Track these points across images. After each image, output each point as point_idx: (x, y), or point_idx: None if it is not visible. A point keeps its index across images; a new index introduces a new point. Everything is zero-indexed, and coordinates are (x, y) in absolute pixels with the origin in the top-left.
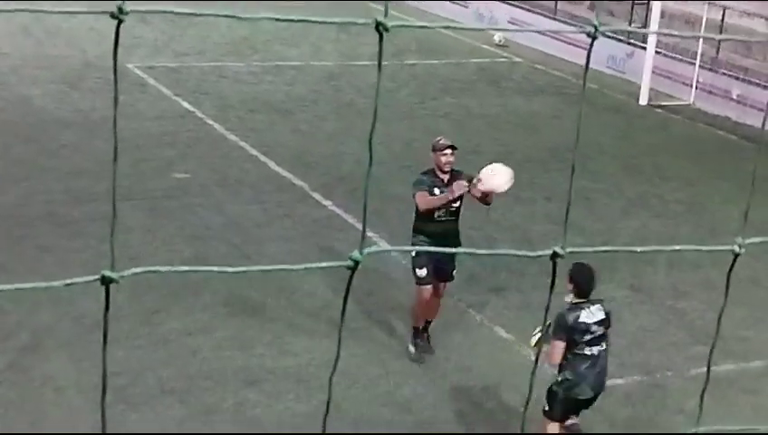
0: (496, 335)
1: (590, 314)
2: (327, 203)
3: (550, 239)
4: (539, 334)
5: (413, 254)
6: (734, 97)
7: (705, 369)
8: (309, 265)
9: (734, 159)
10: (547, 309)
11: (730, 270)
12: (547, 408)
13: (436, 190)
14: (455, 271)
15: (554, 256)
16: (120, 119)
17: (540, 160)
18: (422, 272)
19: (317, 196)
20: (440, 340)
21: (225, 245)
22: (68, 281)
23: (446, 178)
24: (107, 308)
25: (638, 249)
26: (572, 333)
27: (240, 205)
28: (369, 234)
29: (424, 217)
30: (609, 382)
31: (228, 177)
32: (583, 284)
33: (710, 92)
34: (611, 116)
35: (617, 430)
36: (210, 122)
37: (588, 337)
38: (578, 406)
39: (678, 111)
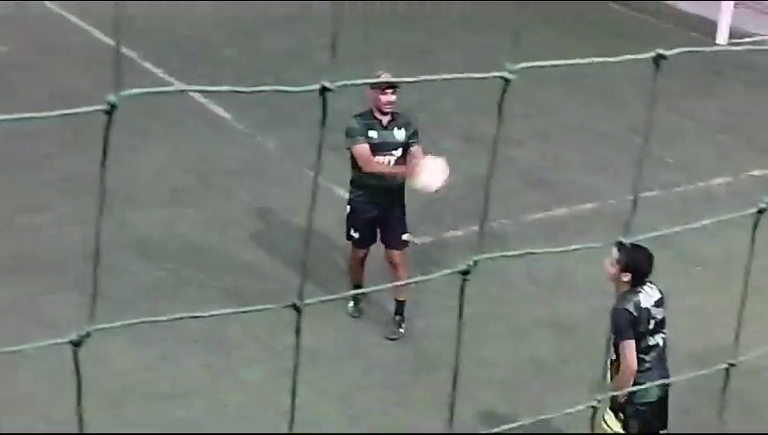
0: (336, 195)
1: (648, 296)
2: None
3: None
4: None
5: (348, 210)
6: None
7: (542, 214)
8: None
9: None
10: (482, 228)
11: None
12: (609, 431)
13: (373, 133)
14: (405, 235)
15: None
16: None
17: None
18: (356, 235)
19: (148, 65)
20: (285, 203)
21: None
22: None
23: (385, 119)
24: None
25: None
26: (638, 325)
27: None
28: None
29: (360, 168)
30: (448, 234)
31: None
32: (643, 268)
33: None
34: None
35: (452, 277)
36: None
37: (651, 325)
38: (650, 415)
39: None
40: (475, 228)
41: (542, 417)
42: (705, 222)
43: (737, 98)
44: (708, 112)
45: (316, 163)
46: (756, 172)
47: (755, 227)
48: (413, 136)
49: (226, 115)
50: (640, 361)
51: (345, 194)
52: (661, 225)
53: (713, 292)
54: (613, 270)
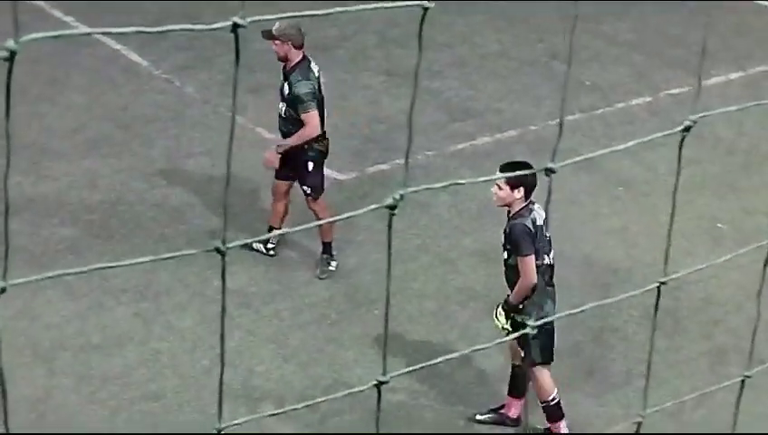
0: (258, 136)
1: (539, 214)
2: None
3: None
4: (503, 312)
5: None
6: None
7: (466, 144)
8: None
9: None
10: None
11: None
12: (522, 354)
13: (281, 76)
14: (304, 186)
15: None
16: None
17: None
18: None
19: (57, 13)
20: (207, 147)
21: None
22: None
23: (284, 66)
24: None
25: None
26: (535, 241)
27: None
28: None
29: None
30: (373, 169)
31: None
32: (531, 181)
33: None
34: None
35: (381, 213)
36: None
37: (544, 243)
38: (551, 332)
39: None
40: (400, 162)
41: (479, 347)
42: (631, 143)
43: (651, 17)
44: (623, 33)
45: (233, 102)
46: (675, 91)
47: (681, 144)
48: (294, 101)
49: (143, 62)
50: (539, 280)
51: (267, 134)
52: (584, 148)
53: (635, 211)
54: (502, 193)
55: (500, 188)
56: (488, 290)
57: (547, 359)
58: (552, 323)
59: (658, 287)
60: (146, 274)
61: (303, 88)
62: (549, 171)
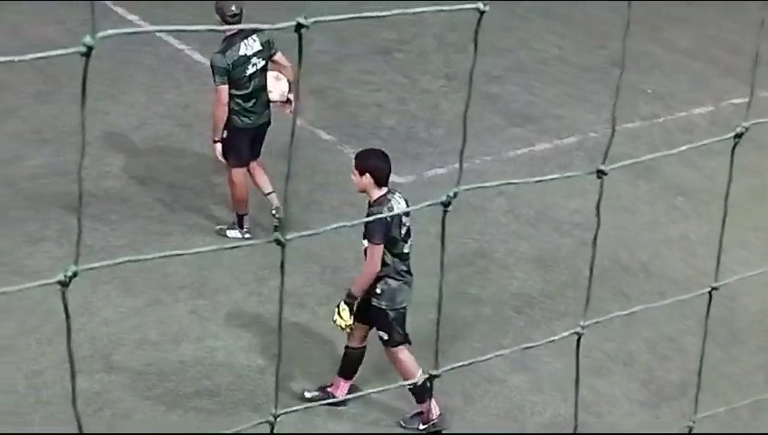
0: (317, 137)
1: (397, 203)
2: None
3: None
4: (346, 307)
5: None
6: None
7: (524, 150)
8: None
9: None
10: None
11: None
12: (386, 337)
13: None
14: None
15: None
16: None
17: None
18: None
19: (120, 10)
20: (267, 147)
21: None
22: None
23: None
24: None
25: None
26: (391, 229)
27: None
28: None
29: None
30: (430, 172)
31: None
32: (379, 167)
33: None
34: None
35: (436, 217)
36: None
37: (403, 231)
38: (405, 317)
39: None
40: (458, 166)
41: (526, 345)
42: (683, 147)
43: (711, 24)
44: (683, 40)
45: (294, 103)
46: (737, 100)
47: (733, 151)
48: None
49: (205, 61)
50: (399, 267)
51: (325, 136)
52: (642, 156)
53: (695, 221)
54: (355, 179)
55: (353, 175)
56: (544, 296)
57: (405, 340)
58: (405, 307)
59: (710, 293)
60: (203, 272)
61: (212, 60)
62: (600, 174)
